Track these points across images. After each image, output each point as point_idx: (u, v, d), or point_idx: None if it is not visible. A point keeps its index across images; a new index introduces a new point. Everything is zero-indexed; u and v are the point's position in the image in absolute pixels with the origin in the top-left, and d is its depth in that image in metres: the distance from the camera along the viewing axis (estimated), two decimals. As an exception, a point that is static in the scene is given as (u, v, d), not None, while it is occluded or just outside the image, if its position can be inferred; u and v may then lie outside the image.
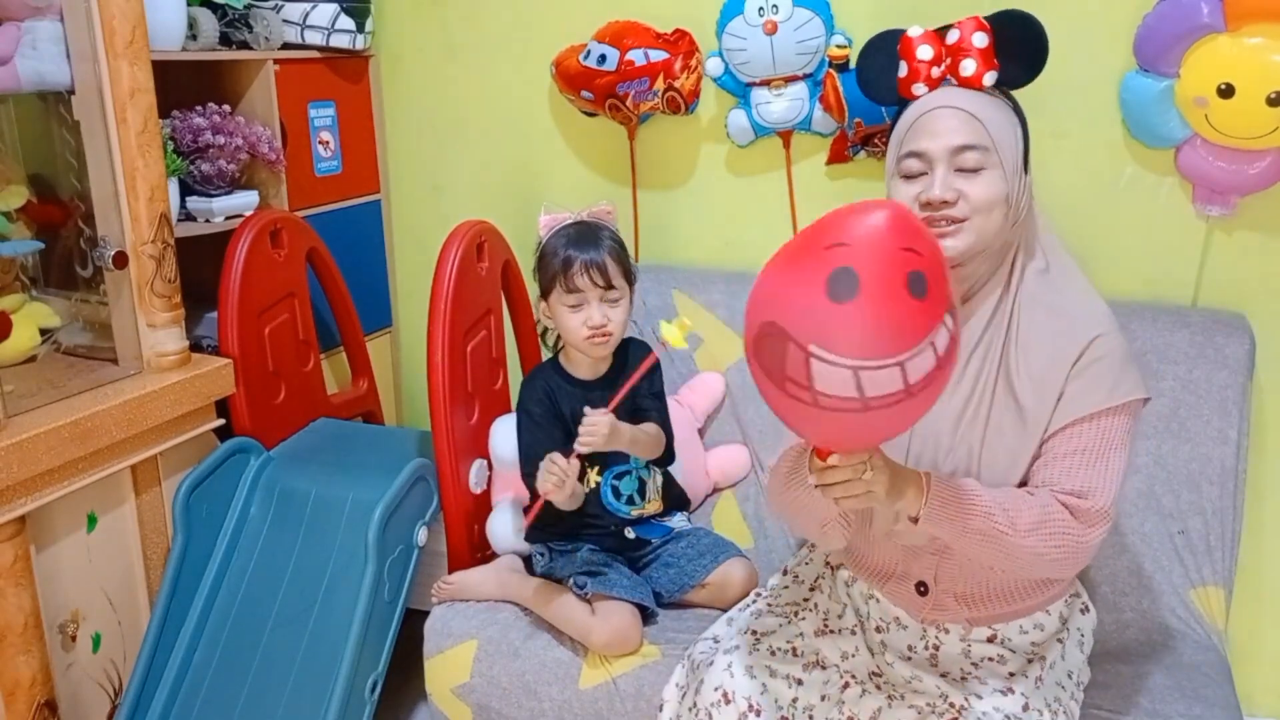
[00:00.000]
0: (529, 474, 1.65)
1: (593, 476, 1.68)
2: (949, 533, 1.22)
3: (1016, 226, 1.29)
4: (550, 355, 1.75)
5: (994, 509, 1.19)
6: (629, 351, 1.71)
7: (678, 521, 1.76)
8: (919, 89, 1.28)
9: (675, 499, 1.79)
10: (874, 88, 1.36)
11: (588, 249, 1.59)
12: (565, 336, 1.65)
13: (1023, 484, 1.28)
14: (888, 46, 1.31)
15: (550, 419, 1.65)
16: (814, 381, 1.00)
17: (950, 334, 1.02)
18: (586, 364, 1.68)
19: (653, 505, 1.73)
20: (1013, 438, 1.27)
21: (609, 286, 1.60)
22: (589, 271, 1.58)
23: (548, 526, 1.71)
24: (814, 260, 1.01)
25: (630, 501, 1.71)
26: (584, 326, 1.60)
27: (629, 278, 1.65)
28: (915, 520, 1.21)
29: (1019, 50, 1.25)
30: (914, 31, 1.28)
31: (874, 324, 0.98)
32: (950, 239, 1.24)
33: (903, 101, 1.32)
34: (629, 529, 1.71)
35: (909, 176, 1.27)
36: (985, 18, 1.26)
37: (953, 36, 1.27)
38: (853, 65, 1.88)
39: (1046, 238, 1.34)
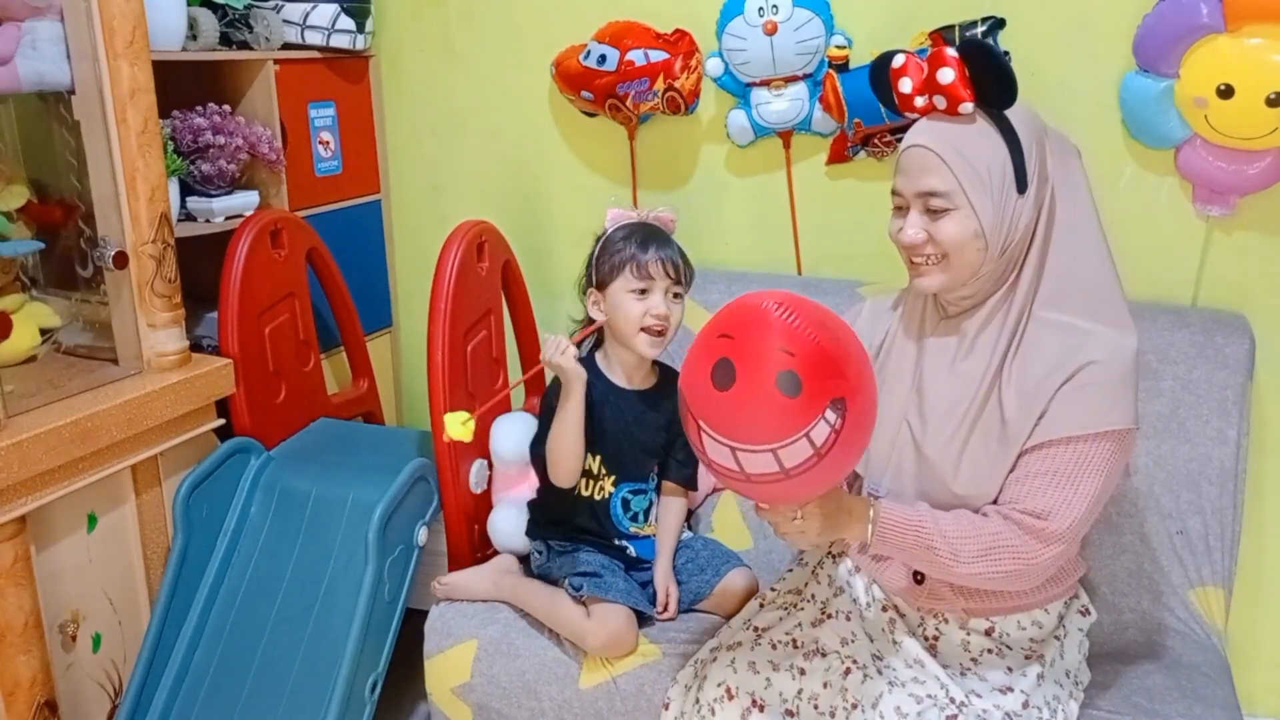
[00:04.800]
0: (538, 457, 1.66)
1: (607, 485, 1.67)
2: (896, 558, 1.34)
3: (1019, 244, 1.28)
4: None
5: (938, 542, 1.25)
6: (668, 374, 1.70)
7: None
8: (911, 115, 1.32)
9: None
10: (885, 105, 1.39)
11: (661, 243, 1.59)
12: (620, 328, 1.60)
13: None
14: (882, 72, 1.34)
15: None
16: (705, 450, 1.14)
17: (833, 427, 1.08)
18: (625, 369, 1.67)
19: (651, 529, 1.72)
20: (995, 445, 1.29)
21: (678, 280, 1.60)
22: (663, 262, 1.58)
23: (551, 525, 1.71)
24: (707, 344, 1.13)
25: (635, 519, 1.70)
26: (647, 315, 1.58)
27: (689, 281, 1.64)
28: (864, 546, 1.30)
29: (986, 81, 1.25)
30: (897, 62, 1.31)
31: (747, 415, 1.09)
32: (925, 278, 1.31)
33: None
34: (631, 547, 1.70)
35: (897, 209, 1.33)
36: (957, 46, 1.26)
37: (926, 69, 1.28)
38: (853, 66, 1.89)
39: (1086, 241, 1.32)
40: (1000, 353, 1.30)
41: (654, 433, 1.67)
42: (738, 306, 1.14)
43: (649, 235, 1.59)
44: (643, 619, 1.62)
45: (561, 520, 1.69)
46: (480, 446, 1.84)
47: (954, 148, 1.25)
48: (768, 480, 1.10)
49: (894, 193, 1.32)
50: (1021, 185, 1.26)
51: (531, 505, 1.78)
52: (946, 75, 1.24)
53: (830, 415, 1.07)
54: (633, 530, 1.69)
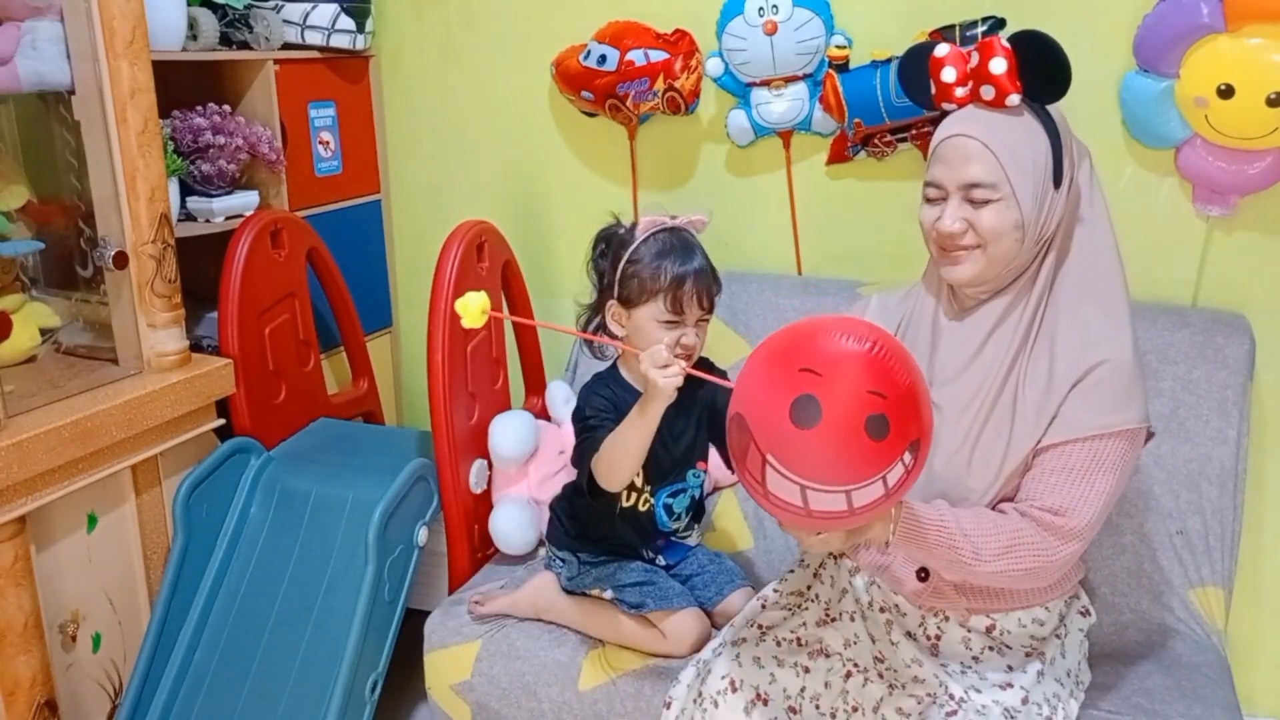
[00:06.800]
0: (590, 447, 1.48)
1: (644, 499, 1.62)
2: (916, 557, 1.32)
3: (1047, 240, 1.30)
4: (599, 360, 1.66)
5: (960, 541, 1.23)
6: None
7: (693, 537, 1.73)
8: (949, 106, 1.31)
9: (697, 510, 1.74)
10: (912, 97, 1.39)
11: (693, 265, 1.46)
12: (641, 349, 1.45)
13: (1014, 490, 1.31)
14: (920, 61, 1.33)
15: (616, 419, 1.48)
16: (766, 482, 1.07)
17: (907, 468, 1.05)
18: (644, 380, 1.51)
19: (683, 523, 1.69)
20: (1009, 439, 1.30)
21: (710, 309, 1.51)
22: (699, 294, 1.46)
23: (582, 539, 1.67)
24: (786, 377, 1.05)
25: (678, 519, 1.66)
26: (676, 346, 1.44)
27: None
28: (885, 546, 1.29)
29: (1039, 72, 1.24)
30: (940, 51, 1.30)
31: (827, 456, 1.03)
32: (961, 266, 1.29)
33: (943, 110, 1.34)
34: (661, 556, 1.68)
35: (930, 201, 1.32)
36: (1008, 38, 1.26)
37: (975, 60, 1.27)
38: (853, 66, 1.89)
39: (1099, 239, 1.33)
40: (1016, 347, 1.31)
41: (685, 439, 1.60)
42: (823, 339, 1.06)
43: (684, 258, 1.47)
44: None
45: (598, 533, 1.64)
46: (479, 447, 1.84)
47: (1000, 138, 1.25)
48: (831, 517, 1.07)
49: (930, 184, 1.30)
50: (1058, 179, 1.27)
51: (557, 509, 1.71)
52: (999, 65, 1.23)
53: (906, 456, 1.05)
54: (672, 526, 1.66)
